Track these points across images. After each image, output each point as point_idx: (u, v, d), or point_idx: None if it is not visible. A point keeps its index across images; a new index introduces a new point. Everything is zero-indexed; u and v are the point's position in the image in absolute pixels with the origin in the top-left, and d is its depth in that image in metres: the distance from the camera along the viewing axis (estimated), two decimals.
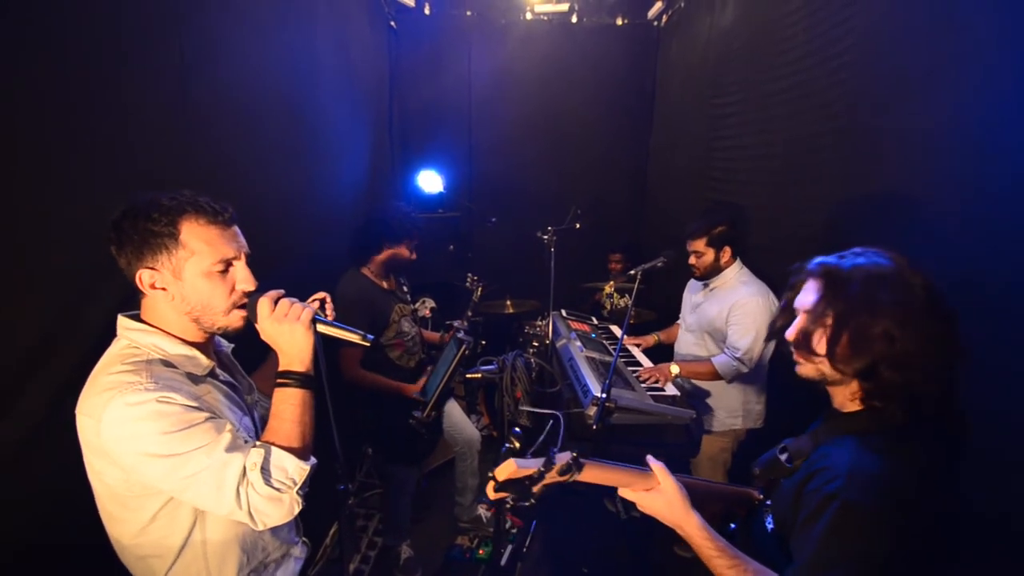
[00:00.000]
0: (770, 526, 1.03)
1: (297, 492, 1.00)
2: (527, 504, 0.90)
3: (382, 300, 2.30)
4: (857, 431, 0.92)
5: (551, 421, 0.93)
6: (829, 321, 0.92)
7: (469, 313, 2.65)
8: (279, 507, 0.98)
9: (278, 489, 0.97)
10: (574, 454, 0.91)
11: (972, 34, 1.33)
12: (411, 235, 2.30)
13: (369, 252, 2.29)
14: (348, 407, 2.29)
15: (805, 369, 0.98)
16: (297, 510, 1.02)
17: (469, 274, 2.85)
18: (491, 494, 0.89)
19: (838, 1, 1.88)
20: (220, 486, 0.94)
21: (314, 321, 1.06)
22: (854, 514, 0.82)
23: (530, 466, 0.87)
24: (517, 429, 0.96)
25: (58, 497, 1.11)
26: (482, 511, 2.76)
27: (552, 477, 0.88)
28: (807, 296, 0.97)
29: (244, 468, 0.96)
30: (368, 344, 1.10)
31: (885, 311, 0.87)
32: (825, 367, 0.93)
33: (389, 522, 2.57)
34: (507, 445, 0.93)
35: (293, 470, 1.00)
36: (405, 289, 2.52)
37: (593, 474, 0.94)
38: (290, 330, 1.03)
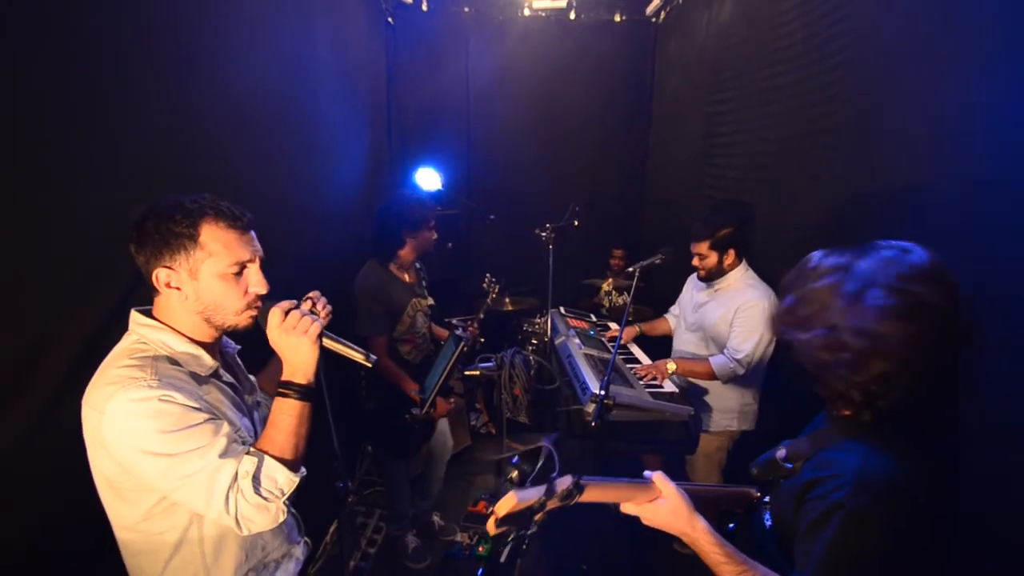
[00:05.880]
0: (768, 523, 1.03)
1: (284, 502, 1.02)
2: (528, 533, 0.88)
3: (400, 294, 2.26)
4: (859, 436, 0.90)
5: (545, 452, 0.89)
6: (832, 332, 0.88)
7: (481, 315, 2.65)
8: (265, 515, 1.01)
9: (266, 498, 0.99)
10: (575, 478, 0.89)
11: (971, 32, 1.32)
12: (428, 219, 2.29)
13: (393, 247, 2.26)
14: (349, 397, 2.30)
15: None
16: (282, 519, 1.04)
17: (487, 275, 2.84)
18: (492, 529, 0.87)
19: None
20: (211, 490, 0.96)
21: (321, 336, 1.07)
22: (861, 522, 0.81)
23: (531, 497, 0.85)
24: (516, 459, 0.94)
25: (59, 498, 1.11)
26: (436, 518, 2.79)
27: (554, 504, 0.87)
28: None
29: (236, 474, 0.97)
30: (371, 365, 1.12)
31: (885, 335, 0.81)
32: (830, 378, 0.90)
33: (390, 511, 2.65)
34: (507, 478, 0.90)
35: (283, 481, 1.02)
36: (424, 284, 2.48)
37: (594, 494, 0.93)
38: (296, 342, 1.04)
